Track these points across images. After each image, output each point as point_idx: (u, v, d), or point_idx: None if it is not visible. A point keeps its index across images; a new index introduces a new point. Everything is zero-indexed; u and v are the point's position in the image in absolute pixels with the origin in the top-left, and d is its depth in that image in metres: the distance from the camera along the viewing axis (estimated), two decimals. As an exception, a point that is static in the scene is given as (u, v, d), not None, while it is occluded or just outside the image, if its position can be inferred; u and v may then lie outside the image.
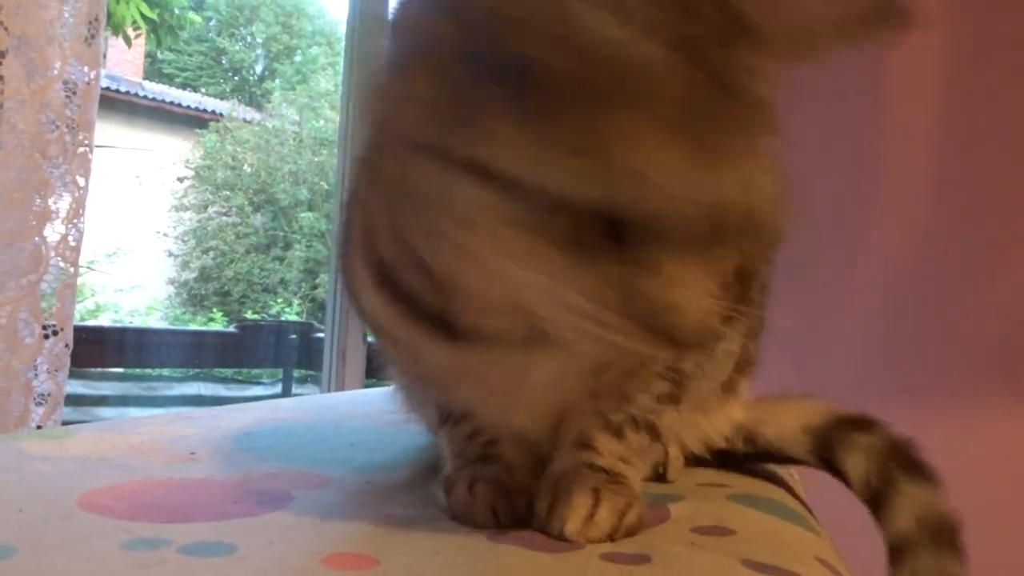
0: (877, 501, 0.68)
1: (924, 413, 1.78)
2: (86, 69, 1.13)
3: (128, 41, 5.37)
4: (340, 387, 1.77)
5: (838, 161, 1.98)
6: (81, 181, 1.14)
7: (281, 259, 7.86)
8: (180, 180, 7.91)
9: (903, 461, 0.68)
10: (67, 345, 1.17)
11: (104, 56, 1.16)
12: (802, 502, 0.68)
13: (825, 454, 0.71)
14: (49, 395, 1.17)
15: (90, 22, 1.11)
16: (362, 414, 0.93)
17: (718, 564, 0.43)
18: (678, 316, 0.38)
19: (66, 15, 1.09)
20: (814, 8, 0.39)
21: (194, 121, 8.18)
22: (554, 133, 0.36)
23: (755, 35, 0.37)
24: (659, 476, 0.67)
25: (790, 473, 0.78)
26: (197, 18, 8.06)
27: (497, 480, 0.53)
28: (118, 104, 6.88)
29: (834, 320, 1.96)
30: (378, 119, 0.45)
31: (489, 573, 0.41)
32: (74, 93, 1.13)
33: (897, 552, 0.65)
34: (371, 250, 0.49)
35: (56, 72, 1.10)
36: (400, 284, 0.48)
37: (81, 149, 1.14)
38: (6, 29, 1.05)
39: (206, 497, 0.52)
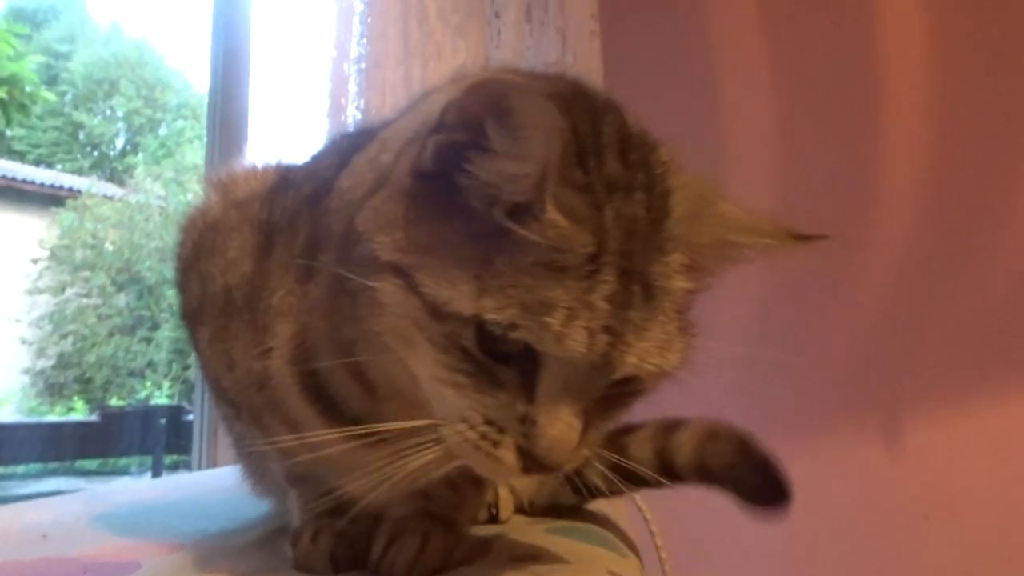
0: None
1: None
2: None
3: (-26, 120, 5.17)
4: (212, 466, 1.75)
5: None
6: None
7: (148, 340, 7.57)
8: (34, 261, 7.52)
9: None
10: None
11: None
12: (621, 531, 0.77)
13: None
14: None
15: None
16: (225, 488, 0.96)
17: (516, 580, 0.51)
18: (557, 453, 0.47)
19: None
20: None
21: (49, 199, 7.88)
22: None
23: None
24: (492, 517, 0.75)
25: (636, 503, 0.88)
26: (51, 95, 7.81)
27: (340, 530, 0.59)
28: (-34, 184, 6.56)
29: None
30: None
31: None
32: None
33: None
34: (304, 361, 0.55)
35: None
36: (326, 390, 0.55)
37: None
38: None
39: (56, 571, 0.55)
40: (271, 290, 0.56)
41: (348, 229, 0.51)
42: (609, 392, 0.48)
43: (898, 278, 1.82)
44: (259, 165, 0.69)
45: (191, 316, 0.64)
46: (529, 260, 0.45)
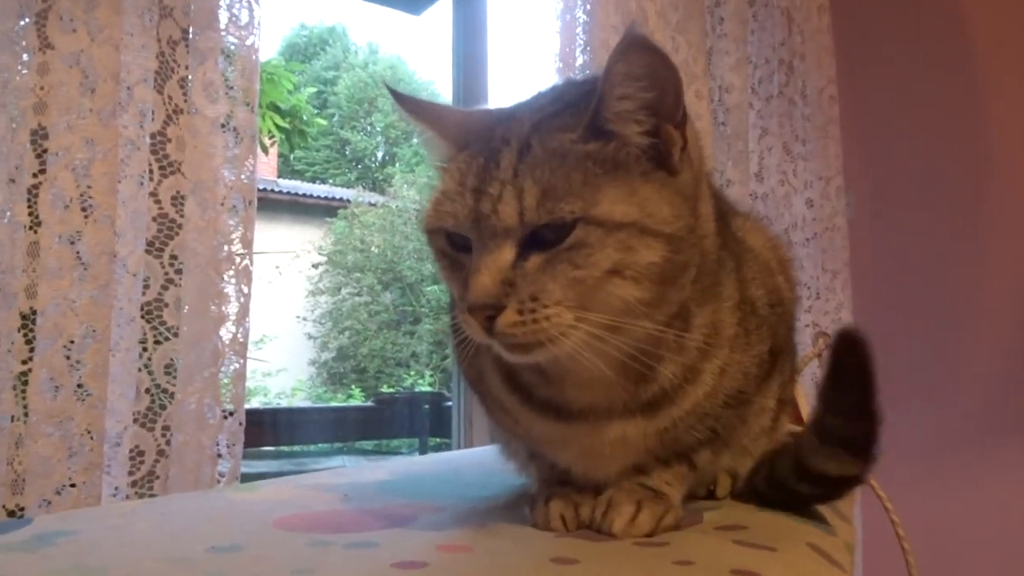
0: None
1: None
2: (244, 201, 1.42)
3: (265, 150, 6.03)
4: (469, 447, 1.96)
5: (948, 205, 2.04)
6: (245, 289, 1.42)
7: (411, 333, 8.21)
8: (315, 266, 8.46)
9: None
10: (241, 424, 1.43)
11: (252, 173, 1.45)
12: (839, 511, 0.81)
13: None
14: (228, 469, 1.43)
15: (246, 167, 1.41)
16: (478, 463, 1.13)
17: (714, 544, 0.59)
18: (480, 294, 0.60)
19: (228, 165, 1.39)
20: None
21: (324, 210, 8.78)
22: None
23: None
24: (710, 494, 0.83)
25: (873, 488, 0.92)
26: (323, 121, 8.75)
27: (567, 496, 0.71)
28: (258, 202, 7.54)
29: (959, 355, 1.99)
30: None
31: (554, 552, 0.59)
32: (236, 219, 1.42)
33: None
34: (500, 360, 0.68)
35: (222, 205, 1.40)
36: (520, 379, 0.70)
37: (243, 263, 1.43)
38: (185, 177, 1.35)
39: (358, 519, 0.73)
40: None
41: None
42: (547, 249, 0.59)
43: None
44: None
45: (453, 328, 0.79)
46: (444, 181, 0.66)
